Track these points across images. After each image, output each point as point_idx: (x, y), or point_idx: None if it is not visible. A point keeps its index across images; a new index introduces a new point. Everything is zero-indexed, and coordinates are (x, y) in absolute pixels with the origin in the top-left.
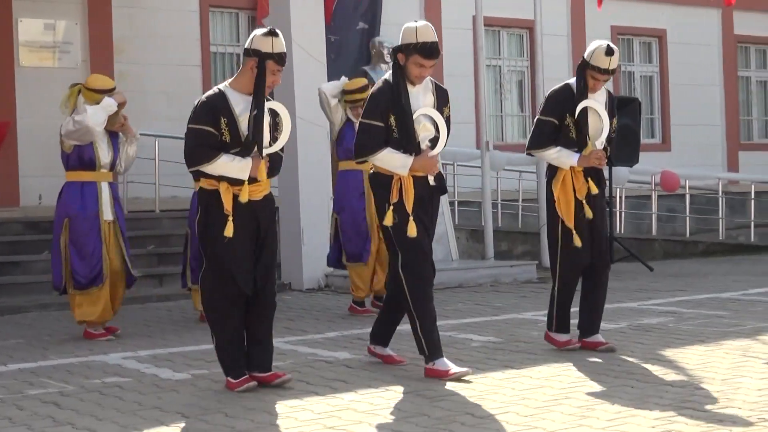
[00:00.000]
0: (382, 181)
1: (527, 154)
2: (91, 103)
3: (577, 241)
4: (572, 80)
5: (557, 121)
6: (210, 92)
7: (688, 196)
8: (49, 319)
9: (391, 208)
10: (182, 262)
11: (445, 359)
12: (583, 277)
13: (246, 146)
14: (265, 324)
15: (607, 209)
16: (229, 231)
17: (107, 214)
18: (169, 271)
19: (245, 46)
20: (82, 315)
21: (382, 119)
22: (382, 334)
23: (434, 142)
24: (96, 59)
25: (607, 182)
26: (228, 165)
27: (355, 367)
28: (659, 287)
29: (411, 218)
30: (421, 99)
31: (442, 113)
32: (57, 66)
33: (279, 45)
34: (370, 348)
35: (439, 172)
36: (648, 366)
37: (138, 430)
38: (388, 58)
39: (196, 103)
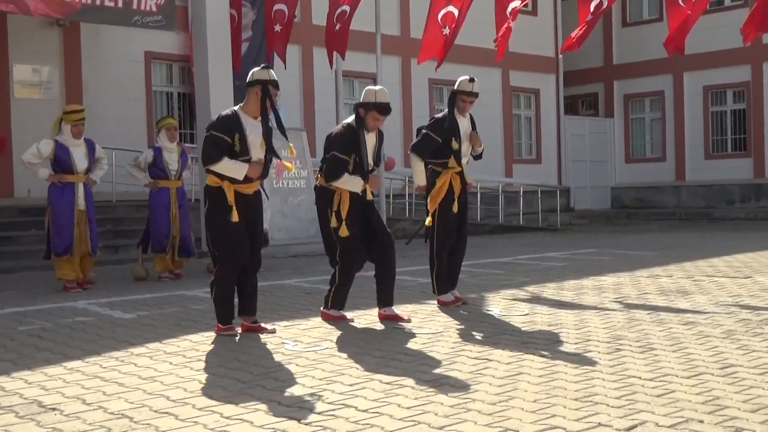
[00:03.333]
0: (326, 193)
1: (410, 151)
2: (68, 123)
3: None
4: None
5: (440, 139)
6: (227, 111)
7: (479, 193)
8: (35, 277)
9: (333, 214)
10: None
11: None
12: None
13: (269, 151)
14: (253, 281)
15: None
16: (235, 217)
17: (80, 204)
18: (122, 243)
19: (248, 80)
20: (61, 274)
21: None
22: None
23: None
24: (69, 94)
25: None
26: (230, 166)
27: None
28: None
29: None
30: (369, 140)
31: (381, 148)
32: (42, 98)
33: (273, 74)
34: (380, 312)
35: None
36: (450, 308)
37: (98, 354)
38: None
39: (215, 117)
